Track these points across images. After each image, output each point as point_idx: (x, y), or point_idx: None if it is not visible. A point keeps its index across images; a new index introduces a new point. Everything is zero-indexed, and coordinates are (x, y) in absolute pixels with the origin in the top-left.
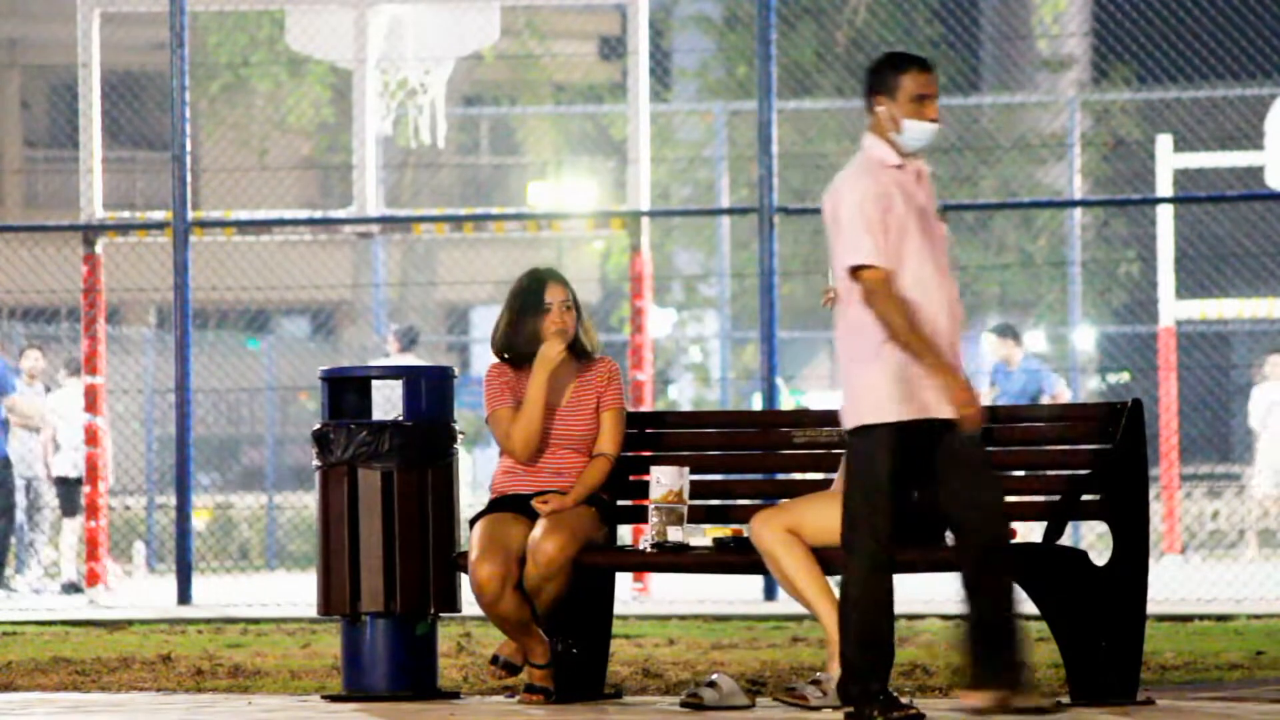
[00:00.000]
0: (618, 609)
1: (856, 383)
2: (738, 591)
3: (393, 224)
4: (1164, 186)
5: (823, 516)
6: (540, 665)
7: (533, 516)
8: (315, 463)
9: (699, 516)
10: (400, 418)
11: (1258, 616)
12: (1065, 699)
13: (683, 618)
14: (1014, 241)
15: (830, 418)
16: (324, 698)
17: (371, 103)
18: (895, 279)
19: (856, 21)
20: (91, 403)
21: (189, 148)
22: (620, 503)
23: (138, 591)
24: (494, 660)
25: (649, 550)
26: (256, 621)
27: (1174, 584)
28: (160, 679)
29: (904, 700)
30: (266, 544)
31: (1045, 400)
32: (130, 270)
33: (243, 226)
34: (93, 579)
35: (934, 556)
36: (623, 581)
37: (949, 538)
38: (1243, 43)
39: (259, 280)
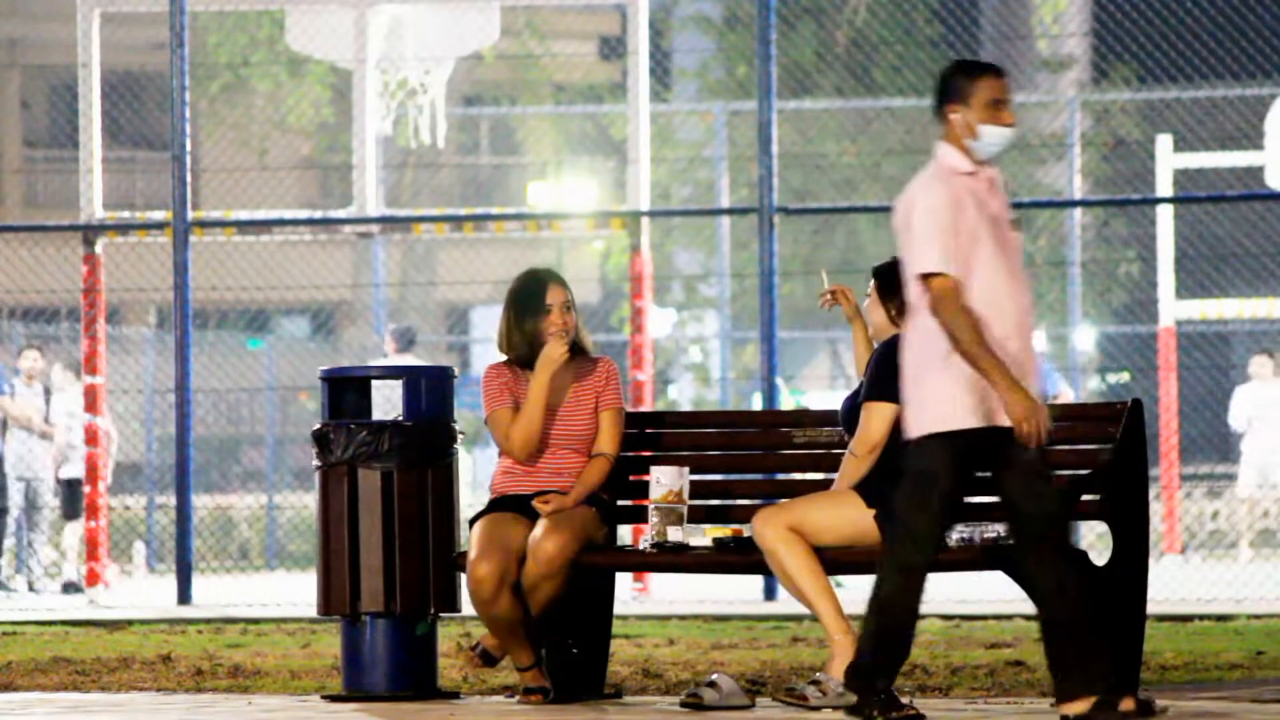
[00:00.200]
0: (618, 609)
1: (924, 390)
2: (738, 591)
3: (393, 224)
4: (1164, 186)
5: (825, 516)
6: (524, 668)
7: (533, 517)
8: (315, 463)
9: (699, 516)
10: (400, 418)
11: (1258, 616)
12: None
13: (683, 618)
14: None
15: (830, 418)
16: (324, 698)
17: (371, 103)
18: (963, 288)
19: (856, 21)
20: (91, 403)
21: (189, 148)
22: (620, 503)
23: (138, 591)
24: (473, 647)
25: (649, 550)
26: (256, 621)
27: (1174, 584)
28: (160, 679)
29: (904, 700)
30: (266, 544)
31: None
32: (130, 270)
33: (243, 226)
34: (92, 579)
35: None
36: (623, 581)
37: (949, 538)
38: (1243, 43)
39: (259, 280)
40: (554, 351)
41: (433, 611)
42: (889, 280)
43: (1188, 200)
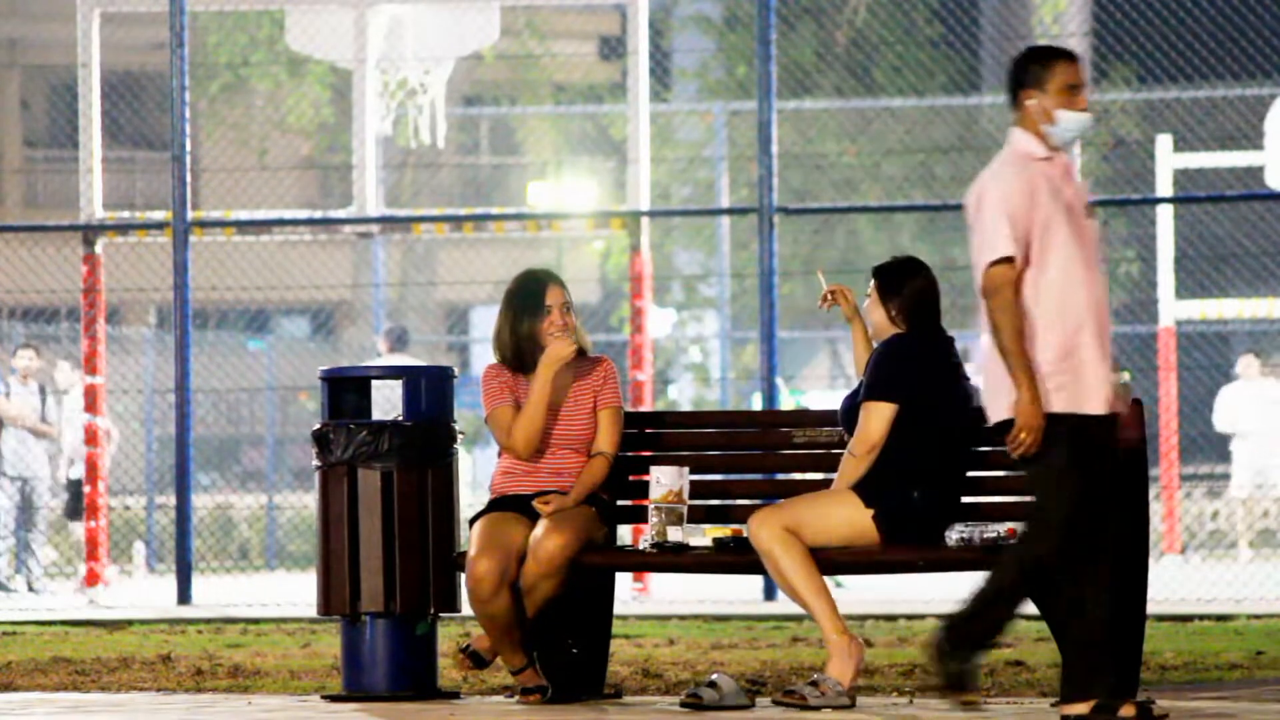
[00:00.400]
0: (618, 609)
1: (999, 379)
2: (737, 591)
3: (392, 224)
4: (1164, 186)
5: (822, 516)
6: (517, 670)
7: (533, 517)
8: (315, 463)
9: (699, 516)
10: (400, 418)
11: (1257, 616)
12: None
13: (682, 618)
14: None
15: (830, 418)
16: (324, 698)
17: (371, 103)
18: (1021, 280)
19: (856, 21)
20: (91, 403)
21: (189, 148)
22: (620, 503)
23: (137, 591)
24: (464, 649)
25: (649, 550)
26: (256, 621)
27: (1174, 584)
28: (160, 679)
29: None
30: (266, 544)
31: None
32: (130, 270)
33: (242, 226)
34: (92, 579)
35: (934, 556)
36: (623, 581)
37: (949, 538)
38: (1242, 43)
39: (259, 280)
40: (561, 350)
41: (432, 611)
42: (889, 280)
43: (1187, 200)
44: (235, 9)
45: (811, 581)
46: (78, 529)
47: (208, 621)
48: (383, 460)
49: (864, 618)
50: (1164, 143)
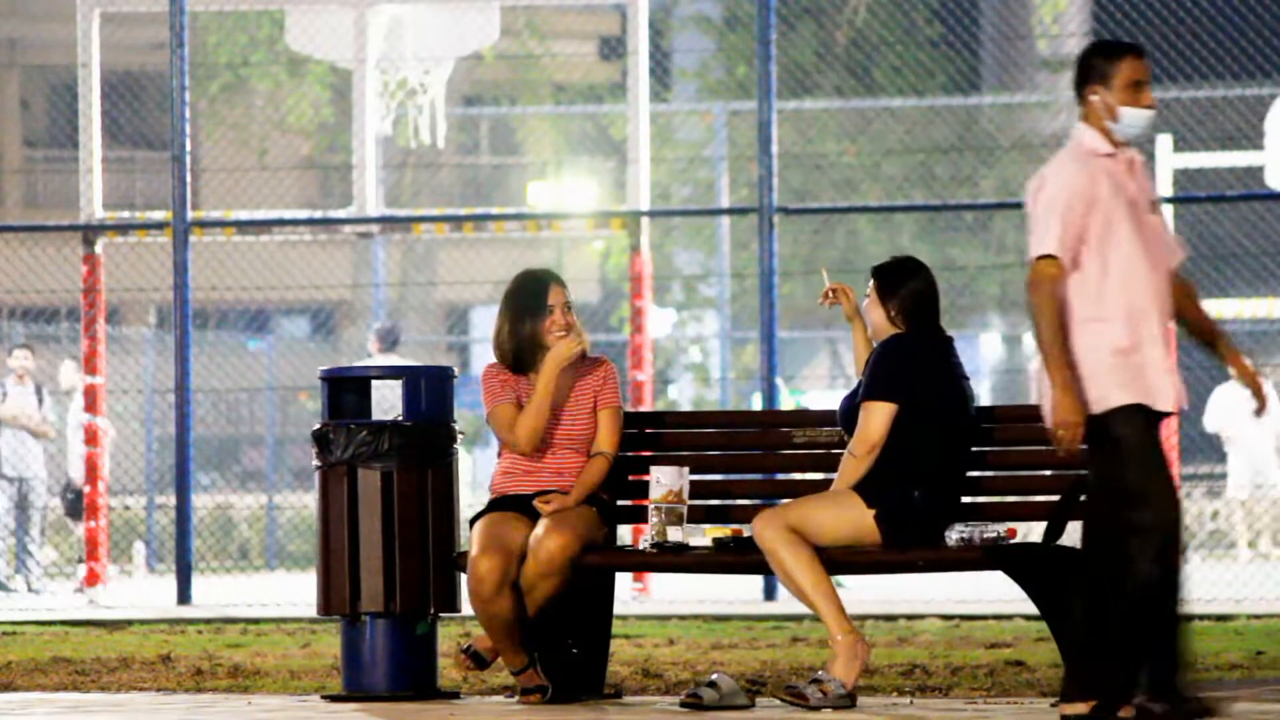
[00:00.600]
0: (618, 609)
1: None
2: (737, 591)
3: (392, 224)
4: (1164, 186)
5: (825, 516)
6: (518, 670)
7: (533, 516)
8: (315, 463)
9: (699, 516)
10: (400, 418)
11: (1257, 616)
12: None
13: (682, 618)
14: (1014, 241)
15: (829, 418)
16: (324, 698)
17: (371, 103)
18: (1072, 276)
19: (856, 21)
20: (91, 403)
21: (189, 148)
22: (620, 503)
23: (137, 591)
24: (465, 650)
25: (649, 550)
26: (256, 621)
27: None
28: (160, 679)
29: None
30: (266, 544)
31: None
32: (130, 270)
33: (242, 226)
34: (92, 579)
35: (934, 556)
36: (623, 581)
37: (950, 538)
38: (1242, 43)
39: (259, 280)
40: (569, 348)
41: (432, 611)
42: (888, 279)
43: (1188, 200)
44: (235, 9)
45: (818, 581)
46: (79, 529)
47: (208, 621)
48: (383, 460)
49: (864, 618)
50: (1164, 143)
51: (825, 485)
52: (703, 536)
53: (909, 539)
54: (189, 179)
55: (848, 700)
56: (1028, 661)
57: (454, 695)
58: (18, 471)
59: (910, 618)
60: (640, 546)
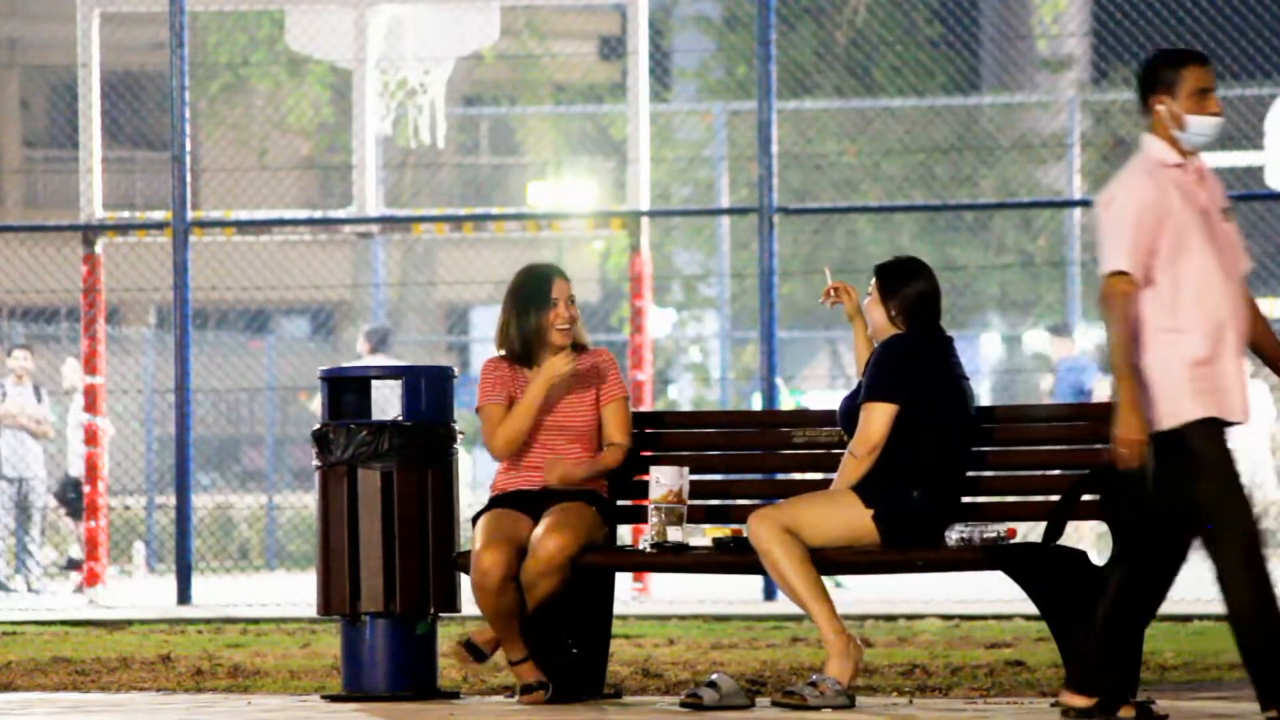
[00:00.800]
0: (617, 609)
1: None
2: (737, 592)
3: (392, 224)
4: None
5: (822, 515)
6: (517, 661)
7: (536, 515)
8: (315, 463)
9: (699, 516)
10: (399, 418)
11: None
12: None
13: (682, 618)
14: (1014, 241)
15: (829, 418)
16: (324, 698)
17: (371, 103)
18: (1137, 293)
19: (856, 21)
20: (91, 403)
21: (189, 148)
22: (620, 503)
23: (137, 591)
24: (465, 643)
25: (649, 550)
26: (256, 621)
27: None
28: (160, 679)
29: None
30: (266, 544)
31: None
32: (130, 270)
33: (242, 226)
34: (92, 579)
35: (934, 556)
36: (622, 581)
37: (949, 538)
38: (1242, 43)
39: (259, 280)
40: (560, 366)
41: (432, 611)
42: (890, 279)
43: None
44: (235, 9)
45: (810, 582)
46: (80, 528)
47: (207, 621)
48: (383, 460)
49: (864, 618)
50: None
51: (825, 485)
52: (703, 536)
53: (909, 539)
54: (189, 179)
55: (846, 699)
56: (1028, 661)
57: (454, 695)
58: (17, 472)
59: (910, 618)
60: (640, 546)
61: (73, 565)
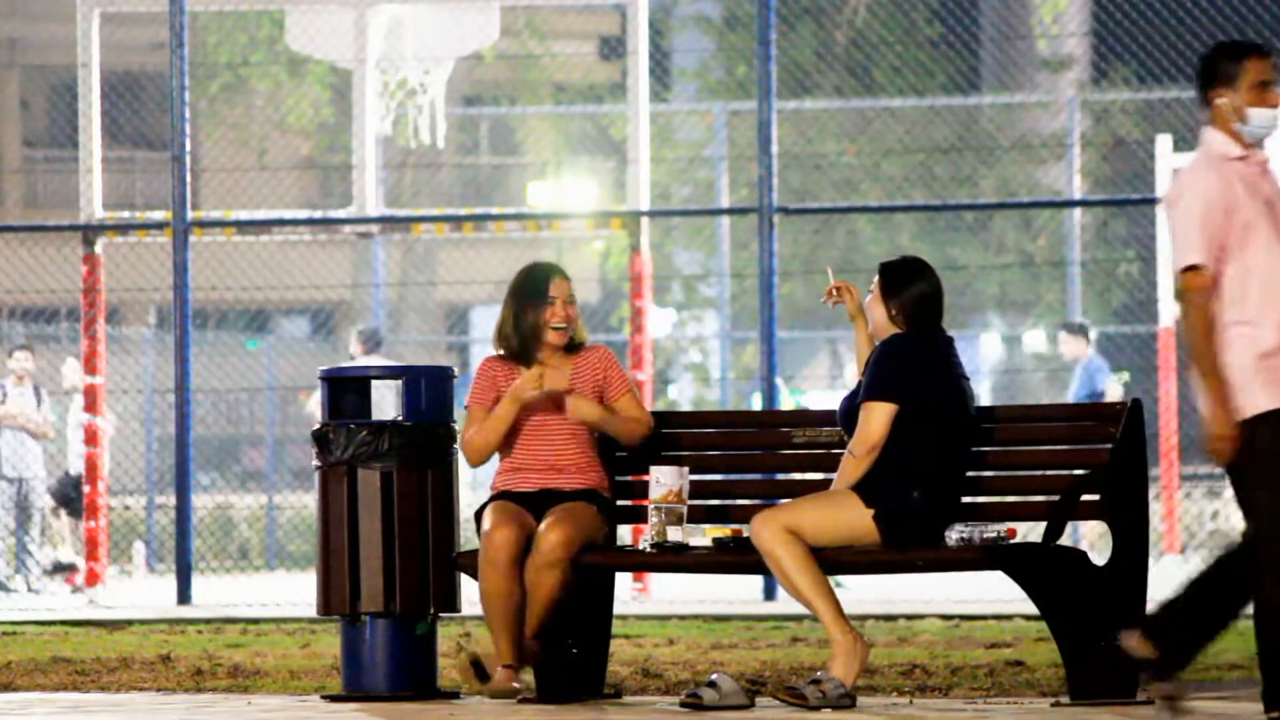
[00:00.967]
0: (617, 609)
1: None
2: (737, 591)
3: (392, 224)
4: (1163, 186)
5: (823, 516)
6: (504, 665)
7: (537, 516)
8: (315, 463)
9: (699, 516)
10: (399, 418)
11: None
12: (1065, 698)
13: (682, 618)
14: (1013, 241)
15: (829, 418)
16: (324, 698)
17: (371, 103)
18: (1213, 287)
19: (856, 21)
20: (91, 403)
21: (189, 148)
22: (620, 503)
23: (137, 591)
24: (472, 660)
25: (648, 550)
26: (256, 621)
27: (1174, 584)
28: (160, 679)
29: None
30: (266, 544)
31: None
32: (130, 270)
33: (242, 226)
34: (92, 579)
35: (934, 556)
36: (622, 581)
37: (949, 538)
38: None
39: (259, 280)
40: (526, 385)
41: (432, 611)
42: (893, 279)
43: None
44: (235, 9)
45: (815, 581)
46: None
47: (207, 621)
48: (383, 460)
49: (864, 618)
50: (1164, 142)
51: (825, 485)
52: (703, 536)
53: (909, 539)
54: (189, 179)
55: (847, 700)
56: (1028, 661)
57: (454, 695)
58: (17, 472)
59: (910, 618)
60: (640, 546)
61: (59, 569)
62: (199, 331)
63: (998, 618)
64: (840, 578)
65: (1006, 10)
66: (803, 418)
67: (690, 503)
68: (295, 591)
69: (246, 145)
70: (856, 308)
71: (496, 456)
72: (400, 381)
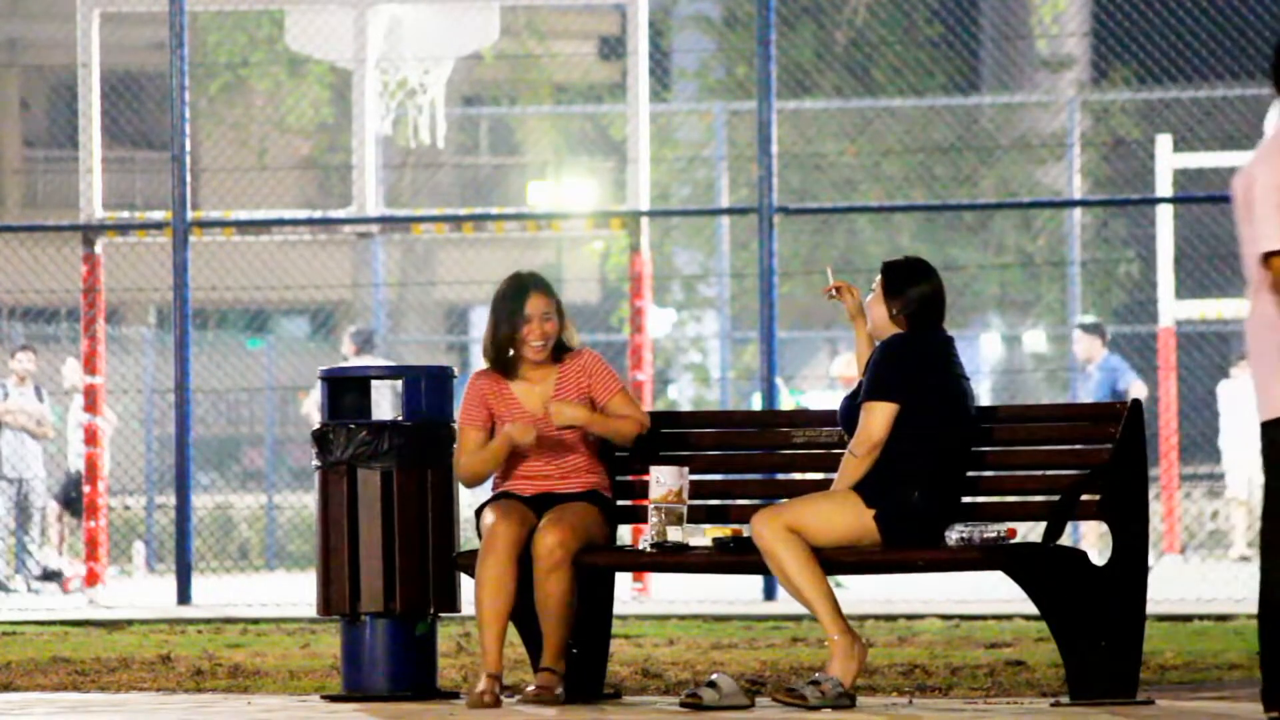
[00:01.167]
0: (617, 609)
1: (1268, 376)
2: (737, 592)
3: (392, 224)
4: (1163, 186)
5: (824, 516)
6: (490, 674)
7: (539, 516)
8: (315, 463)
9: (699, 516)
10: (400, 418)
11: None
12: (1065, 699)
13: (682, 618)
14: (1013, 241)
15: (829, 418)
16: (323, 698)
17: (371, 103)
18: None
19: (856, 21)
20: (91, 403)
21: (188, 147)
22: (620, 503)
23: (137, 592)
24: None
25: (649, 550)
26: (256, 621)
27: (1174, 584)
28: (160, 679)
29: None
30: (266, 544)
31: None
32: (130, 270)
33: (242, 226)
34: (92, 579)
35: (934, 556)
36: (622, 581)
37: (949, 538)
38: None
39: (258, 280)
40: (522, 437)
41: (432, 611)
42: (895, 279)
43: (1187, 200)
44: (235, 9)
45: (815, 581)
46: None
47: (207, 621)
48: (382, 460)
49: (864, 618)
50: (1164, 143)
51: (825, 485)
52: (703, 536)
53: (909, 539)
54: (189, 179)
55: (847, 699)
56: (1028, 661)
57: (453, 695)
58: (18, 472)
59: (910, 618)
60: (640, 546)
61: (49, 576)
62: (199, 331)
63: (998, 618)
64: (840, 577)
65: (1006, 10)
66: (803, 418)
67: (690, 503)
68: (295, 592)
69: (246, 145)
70: (857, 307)
71: None
72: (400, 381)
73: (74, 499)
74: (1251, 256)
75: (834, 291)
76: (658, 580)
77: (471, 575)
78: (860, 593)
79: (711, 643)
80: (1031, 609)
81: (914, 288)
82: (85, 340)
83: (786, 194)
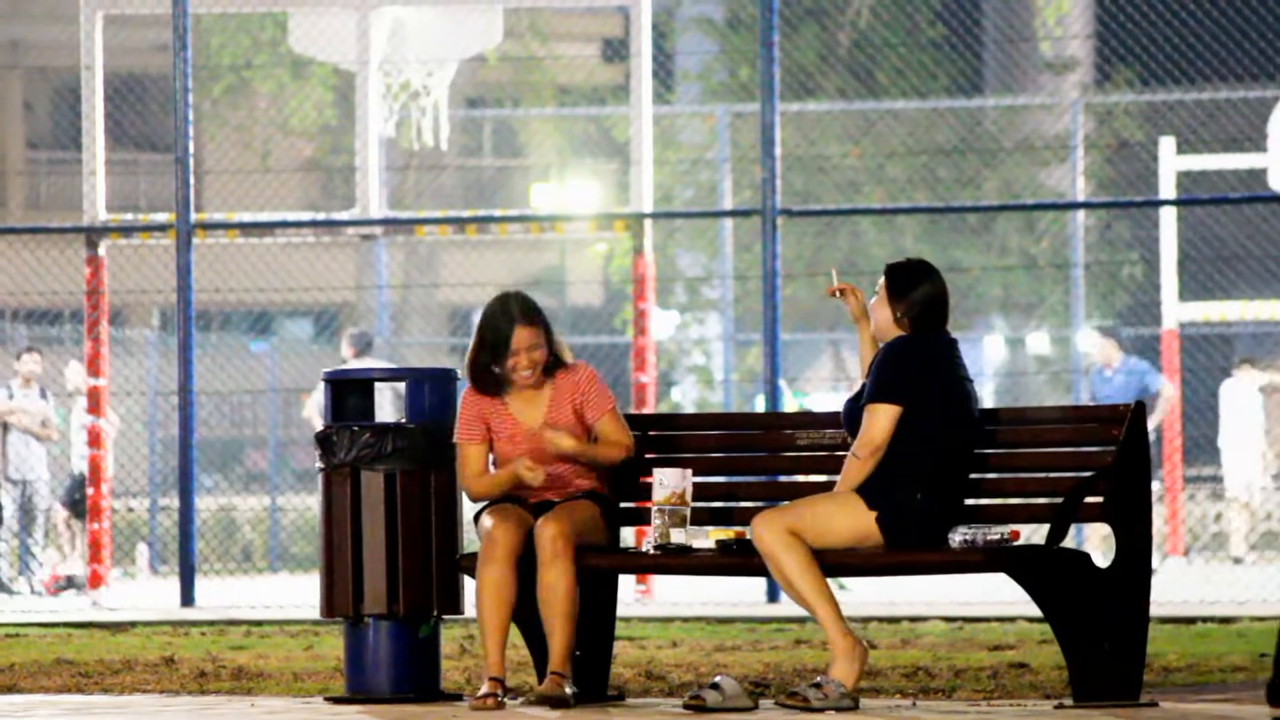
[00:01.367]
0: (620, 611)
1: None
2: (741, 594)
3: (395, 226)
4: (1167, 189)
5: (826, 517)
6: (490, 676)
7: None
8: (318, 465)
9: (702, 519)
10: (403, 420)
11: (1260, 619)
12: (1068, 701)
13: (686, 620)
14: (1017, 243)
15: (833, 420)
16: (327, 700)
17: (374, 105)
18: None
19: (859, 23)
20: (94, 405)
21: (192, 150)
22: (623, 505)
23: (141, 593)
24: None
25: (652, 552)
26: (259, 623)
27: (1177, 586)
28: (163, 681)
29: None
30: (269, 546)
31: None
32: (133, 272)
33: (245, 228)
34: (95, 581)
35: (937, 558)
36: (626, 583)
37: (952, 541)
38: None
39: (262, 282)
40: (531, 479)
41: (435, 613)
42: (898, 281)
43: (1190, 203)
44: (238, 11)
45: (815, 584)
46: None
47: (211, 623)
48: (386, 462)
49: (867, 620)
50: (1167, 145)
51: (829, 487)
52: (706, 539)
53: (912, 541)
54: (192, 181)
55: (850, 701)
56: (1031, 664)
57: (457, 697)
58: (22, 474)
59: (913, 620)
60: (643, 548)
61: (68, 585)
62: (202, 334)
63: (1001, 620)
64: (843, 580)
65: (1010, 12)
66: (806, 420)
67: (693, 505)
68: (298, 593)
69: (250, 147)
70: (860, 310)
71: (493, 463)
72: (404, 384)
73: (78, 501)
74: None
75: (838, 293)
76: (661, 582)
77: (474, 578)
78: (863, 595)
79: (715, 645)
80: (1035, 611)
81: (917, 290)
82: (88, 342)
83: (790, 196)
